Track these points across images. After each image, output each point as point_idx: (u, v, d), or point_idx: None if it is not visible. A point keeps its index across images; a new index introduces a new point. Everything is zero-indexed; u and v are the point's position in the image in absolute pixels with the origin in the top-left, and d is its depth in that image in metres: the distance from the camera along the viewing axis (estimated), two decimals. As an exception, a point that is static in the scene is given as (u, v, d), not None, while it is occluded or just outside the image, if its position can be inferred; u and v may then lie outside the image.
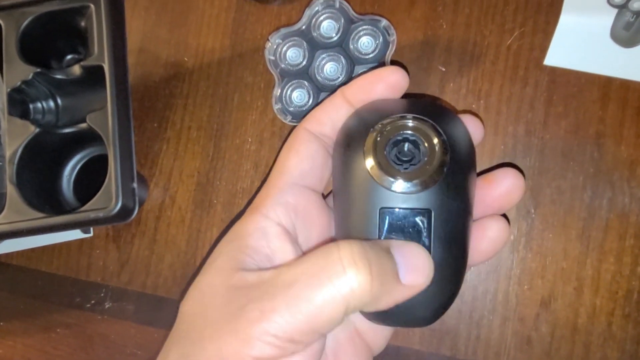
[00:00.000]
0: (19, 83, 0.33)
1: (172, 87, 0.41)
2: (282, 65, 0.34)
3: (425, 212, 0.22)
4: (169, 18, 0.41)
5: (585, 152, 0.33)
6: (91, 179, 0.38)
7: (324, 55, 0.34)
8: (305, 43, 0.34)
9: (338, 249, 0.20)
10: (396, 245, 0.22)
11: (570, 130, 0.34)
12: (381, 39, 0.34)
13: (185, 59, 0.41)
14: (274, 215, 0.25)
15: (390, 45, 0.34)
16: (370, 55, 0.34)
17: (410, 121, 0.23)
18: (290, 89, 0.34)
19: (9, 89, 0.33)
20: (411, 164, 0.23)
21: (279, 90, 0.34)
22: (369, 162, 0.23)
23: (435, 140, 0.23)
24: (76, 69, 0.34)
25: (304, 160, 0.26)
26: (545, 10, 0.35)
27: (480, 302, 0.34)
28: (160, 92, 0.41)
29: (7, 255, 0.43)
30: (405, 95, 0.26)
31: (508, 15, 0.35)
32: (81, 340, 0.40)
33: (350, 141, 0.24)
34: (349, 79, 0.34)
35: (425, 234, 0.22)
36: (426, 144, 0.23)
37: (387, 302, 0.21)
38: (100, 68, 0.32)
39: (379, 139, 0.23)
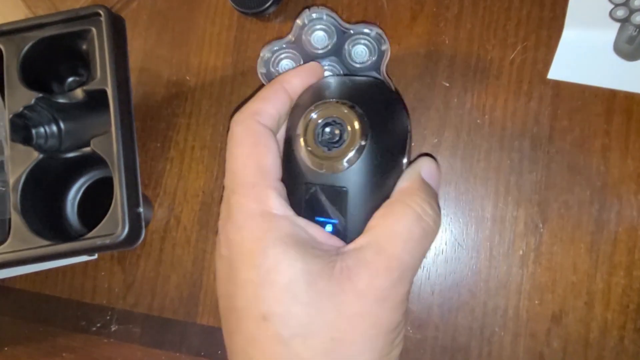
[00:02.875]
0: (21, 109, 0.33)
1: (175, 106, 0.40)
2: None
3: (342, 190, 0.25)
4: (170, 37, 0.41)
5: (591, 165, 0.33)
6: (95, 202, 0.38)
7: (326, 73, 0.34)
8: (298, 54, 0.34)
9: (421, 208, 0.24)
10: (421, 167, 0.26)
11: (576, 144, 0.34)
12: (376, 48, 0.33)
13: (187, 77, 0.41)
14: (285, 211, 0.24)
15: (385, 54, 0.33)
16: (366, 64, 0.34)
17: (338, 106, 0.25)
18: (294, 108, 0.34)
19: (11, 115, 0.32)
20: (335, 146, 0.25)
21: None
22: (302, 143, 0.25)
23: (357, 125, 0.25)
24: (79, 93, 0.33)
25: (277, 157, 0.26)
26: (548, 25, 0.35)
27: (490, 318, 0.34)
28: (163, 112, 0.41)
29: (10, 279, 0.42)
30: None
31: (510, 29, 0.35)
32: (87, 364, 0.40)
33: (292, 122, 0.27)
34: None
35: (341, 209, 0.25)
36: (349, 128, 0.25)
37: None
38: (104, 92, 0.32)
39: (310, 122, 0.25)
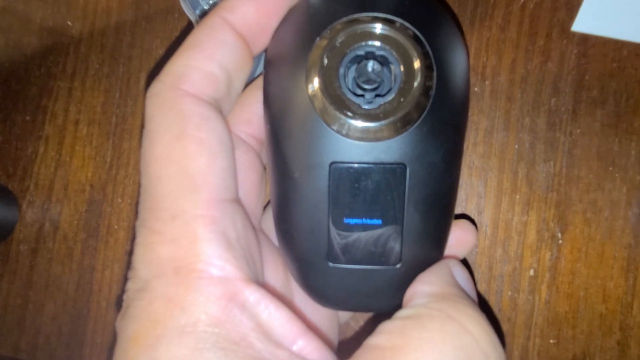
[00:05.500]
0: None
1: (51, 63, 0.29)
2: (206, 7, 0.23)
3: (397, 169, 0.16)
4: (43, -36, 0.29)
5: (629, 153, 0.24)
6: None
7: None
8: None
9: (473, 326, 0.15)
10: (452, 268, 0.18)
11: (609, 122, 0.25)
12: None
13: (69, 22, 0.29)
14: (224, 268, 0.14)
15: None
16: None
17: (379, 25, 0.16)
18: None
19: None
20: (377, 94, 0.16)
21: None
22: (314, 92, 0.16)
23: (416, 58, 0.16)
24: None
25: (220, 154, 0.16)
26: (574, -45, 0.25)
27: (489, 363, 0.25)
28: (34, 71, 0.29)
29: None
30: None
31: (521, -39, 0.25)
32: None
33: (285, 58, 0.17)
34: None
35: (396, 199, 0.16)
36: (401, 64, 0.16)
37: None
38: None
39: (328, 54, 0.16)
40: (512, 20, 0.25)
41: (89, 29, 0.29)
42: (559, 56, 0.25)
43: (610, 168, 0.24)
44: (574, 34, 0.25)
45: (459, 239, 0.20)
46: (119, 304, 0.22)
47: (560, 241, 0.25)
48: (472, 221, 0.25)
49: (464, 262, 0.23)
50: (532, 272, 0.25)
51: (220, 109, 0.16)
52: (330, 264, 0.17)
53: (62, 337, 0.28)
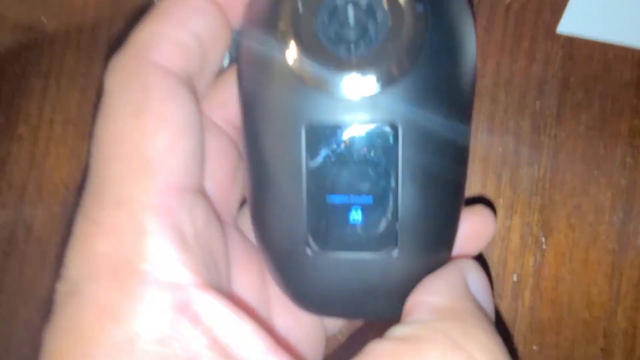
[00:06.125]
0: None
1: (25, 61, 0.28)
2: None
3: (387, 129, 0.14)
4: (17, -42, 0.29)
5: (614, 157, 0.24)
6: None
7: None
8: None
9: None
10: (467, 273, 0.15)
11: (594, 126, 0.24)
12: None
13: (44, 19, 0.28)
14: (174, 271, 0.12)
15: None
16: None
17: None
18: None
19: None
20: (362, 43, 0.14)
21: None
22: (287, 45, 0.14)
23: (405, 1, 0.14)
24: None
25: (184, 135, 0.13)
26: (559, -45, 0.25)
27: (471, 370, 0.24)
28: (7, 70, 0.29)
29: None
30: None
31: (507, -39, 0.25)
32: None
33: (257, 16, 0.15)
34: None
35: (387, 169, 0.14)
36: (386, 6, 0.14)
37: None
38: None
39: (302, 1, 0.14)
40: (496, 21, 0.25)
41: (65, 26, 0.28)
42: (544, 58, 0.25)
43: (595, 172, 0.24)
44: (559, 36, 0.25)
45: (475, 228, 0.17)
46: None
47: (544, 246, 0.24)
48: (491, 206, 0.24)
49: (479, 258, 0.21)
50: (515, 278, 0.24)
51: (193, 86, 0.14)
52: (310, 252, 0.15)
53: (36, 344, 0.27)
